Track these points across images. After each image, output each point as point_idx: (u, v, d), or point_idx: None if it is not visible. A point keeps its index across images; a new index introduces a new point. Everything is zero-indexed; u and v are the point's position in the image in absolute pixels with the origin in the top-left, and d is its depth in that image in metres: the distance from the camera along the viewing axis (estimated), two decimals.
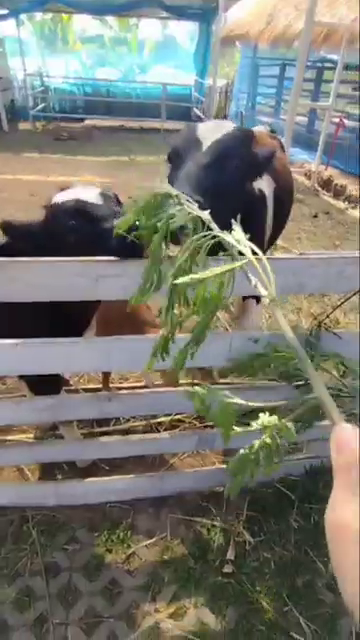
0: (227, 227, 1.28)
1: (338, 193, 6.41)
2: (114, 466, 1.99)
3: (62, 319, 1.41)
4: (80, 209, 1.19)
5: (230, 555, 1.67)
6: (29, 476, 1.93)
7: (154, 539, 1.73)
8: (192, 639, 1.45)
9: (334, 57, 7.19)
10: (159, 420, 2.17)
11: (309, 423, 1.25)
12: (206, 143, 1.16)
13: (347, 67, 6.28)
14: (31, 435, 2.07)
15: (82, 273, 1.06)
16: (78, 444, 1.79)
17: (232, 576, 1.62)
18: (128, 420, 2.19)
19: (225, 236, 0.73)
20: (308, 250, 4.05)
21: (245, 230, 1.42)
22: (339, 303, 1.35)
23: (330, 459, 0.34)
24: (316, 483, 1.90)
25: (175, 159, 1.20)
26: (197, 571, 1.64)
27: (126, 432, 2.09)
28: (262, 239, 1.56)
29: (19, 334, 1.26)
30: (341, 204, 6.22)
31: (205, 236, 0.73)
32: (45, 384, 1.59)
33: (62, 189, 1.29)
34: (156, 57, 13.97)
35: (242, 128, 1.24)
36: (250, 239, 1.48)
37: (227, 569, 1.63)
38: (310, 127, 8.50)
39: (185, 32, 14.04)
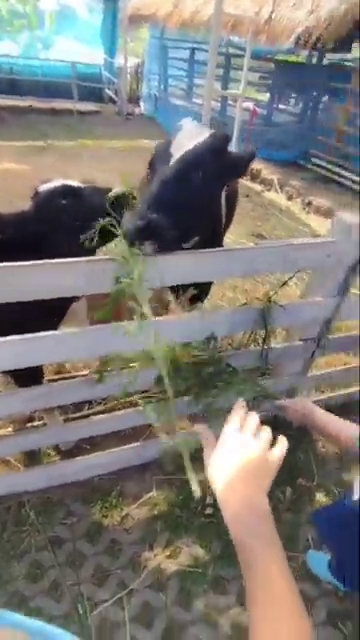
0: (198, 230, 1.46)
1: (254, 177, 6.94)
2: (94, 444, 2.16)
3: (43, 314, 1.53)
4: (70, 190, 1.37)
5: (209, 500, 1.97)
6: (16, 465, 2.02)
7: (142, 499, 1.97)
8: (189, 570, 1.74)
9: (238, 40, 7.53)
10: (130, 399, 2.37)
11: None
12: (179, 153, 1.24)
13: (256, 55, 6.68)
14: (9, 429, 2.14)
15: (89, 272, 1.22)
16: (62, 427, 1.93)
17: (212, 517, 1.93)
18: (99, 403, 2.36)
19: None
20: (237, 233, 4.43)
21: (206, 237, 1.62)
22: (284, 282, 1.66)
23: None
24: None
25: (153, 167, 1.33)
26: (183, 518, 1.92)
27: (101, 413, 2.26)
28: (221, 240, 1.77)
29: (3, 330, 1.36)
30: (257, 187, 6.76)
31: None
32: (29, 376, 1.70)
33: (44, 182, 1.42)
34: (56, 29, 13.21)
35: (217, 134, 1.32)
36: (212, 241, 1.70)
37: (208, 511, 1.94)
38: (223, 113, 8.88)
39: (82, 1, 13.47)
